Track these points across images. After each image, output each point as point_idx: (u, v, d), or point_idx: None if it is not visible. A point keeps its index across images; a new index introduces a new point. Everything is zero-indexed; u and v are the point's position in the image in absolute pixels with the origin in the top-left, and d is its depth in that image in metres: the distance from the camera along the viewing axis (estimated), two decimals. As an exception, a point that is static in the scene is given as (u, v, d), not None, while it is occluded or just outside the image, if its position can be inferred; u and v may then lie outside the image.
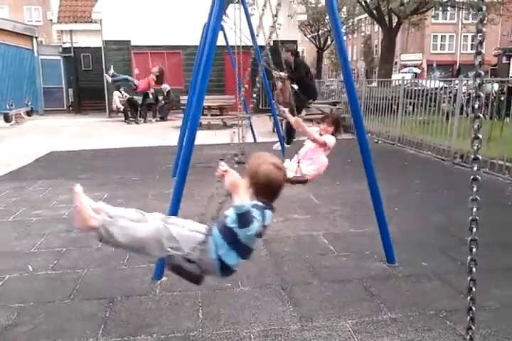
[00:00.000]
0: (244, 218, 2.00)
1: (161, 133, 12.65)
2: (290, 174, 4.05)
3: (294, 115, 4.53)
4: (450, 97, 9.16)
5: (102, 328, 2.72)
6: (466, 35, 42.18)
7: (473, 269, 1.59)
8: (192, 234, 2.22)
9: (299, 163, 3.95)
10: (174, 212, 3.39)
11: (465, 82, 8.56)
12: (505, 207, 5.13)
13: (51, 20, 25.78)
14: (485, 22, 1.51)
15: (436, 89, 9.60)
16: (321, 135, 4.06)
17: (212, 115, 14.03)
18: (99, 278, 3.45)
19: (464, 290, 3.15)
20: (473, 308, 1.59)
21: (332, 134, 4.08)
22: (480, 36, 1.49)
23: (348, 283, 3.33)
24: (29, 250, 4.00)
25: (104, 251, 3.94)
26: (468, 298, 1.59)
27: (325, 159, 3.99)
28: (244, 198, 2.03)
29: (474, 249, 1.59)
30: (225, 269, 2.22)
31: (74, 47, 20.09)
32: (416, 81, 13.25)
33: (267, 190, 2.18)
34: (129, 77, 16.14)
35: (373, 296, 3.11)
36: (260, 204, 2.12)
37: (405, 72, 36.10)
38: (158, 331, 2.69)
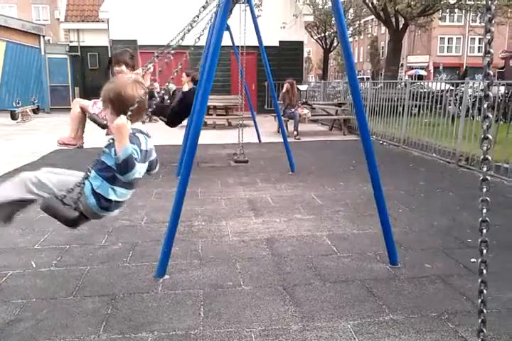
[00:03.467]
0: (125, 165, 2.15)
1: (166, 133, 12.66)
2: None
3: None
4: (456, 100, 9.14)
5: (104, 325, 2.73)
6: (474, 38, 42.13)
7: (484, 271, 1.57)
8: (68, 178, 2.44)
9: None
10: (177, 210, 3.39)
11: (471, 84, 8.53)
12: (510, 210, 5.11)
13: (58, 19, 25.91)
14: (494, 22, 1.50)
15: (442, 91, 9.58)
16: None
17: (217, 115, 14.06)
18: (101, 275, 3.46)
19: (467, 292, 3.16)
20: (485, 311, 1.57)
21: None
22: (489, 35, 1.48)
23: (350, 283, 3.33)
24: (33, 246, 4.02)
25: (107, 249, 3.96)
26: (479, 300, 1.57)
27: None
28: (125, 143, 2.16)
29: (485, 251, 1.57)
30: (102, 201, 2.40)
31: (81, 46, 20.21)
32: (422, 83, 13.22)
33: (123, 105, 2.30)
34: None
35: (375, 297, 3.11)
36: (131, 130, 2.26)
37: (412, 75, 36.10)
38: (160, 328, 2.70)
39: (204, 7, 3.24)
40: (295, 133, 11.41)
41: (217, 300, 3.07)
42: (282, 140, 7.55)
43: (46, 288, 3.22)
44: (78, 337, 2.61)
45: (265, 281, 3.36)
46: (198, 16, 3.25)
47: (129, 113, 2.27)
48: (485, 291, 1.57)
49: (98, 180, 2.37)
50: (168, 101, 13.22)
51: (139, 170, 2.34)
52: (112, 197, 2.42)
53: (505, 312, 2.89)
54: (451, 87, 10.10)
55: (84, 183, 2.36)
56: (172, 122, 8.03)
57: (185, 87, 8.21)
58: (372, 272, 3.53)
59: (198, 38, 3.14)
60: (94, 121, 4.75)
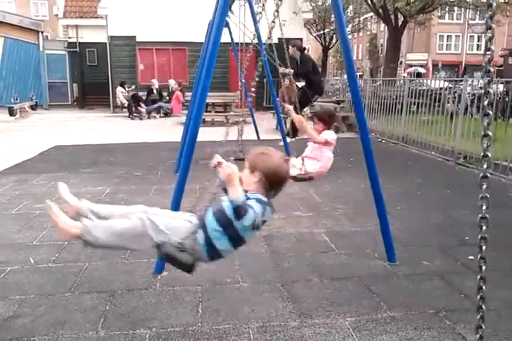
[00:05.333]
0: (239, 209, 1.98)
1: (164, 129, 12.67)
2: (294, 171, 4.06)
3: (297, 112, 4.52)
4: (455, 97, 9.14)
5: (102, 321, 2.74)
6: (473, 36, 42.07)
7: (483, 267, 1.58)
8: (181, 223, 2.20)
9: (303, 160, 3.94)
10: (175, 207, 3.40)
11: (470, 82, 8.53)
12: (509, 208, 5.11)
13: (57, 15, 25.79)
14: (494, 18, 1.50)
15: (441, 89, 9.58)
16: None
17: (216, 112, 14.04)
18: (100, 271, 3.46)
19: (465, 289, 3.17)
20: (483, 307, 1.58)
21: (328, 129, 4.05)
22: (490, 33, 1.49)
23: (348, 280, 3.34)
24: (31, 243, 4.02)
25: (105, 245, 3.96)
26: (478, 296, 1.58)
27: (329, 155, 3.97)
28: (239, 190, 2.02)
29: (484, 247, 1.57)
30: (214, 254, 2.20)
31: (79, 43, 20.09)
32: (421, 81, 13.22)
33: (273, 183, 2.19)
34: (162, 104, 16.25)
35: (373, 294, 3.12)
36: (263, 199, 2.12)
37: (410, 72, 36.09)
38: (158, 325, 2.70)
39: None
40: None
41: (216, 296, 3.07)
42: (281, 137, 7.54)
43: (44, 284, 3.23)
44: (76, 333, 2.62)
45: (263, 278, 3.37)
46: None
47: (273, 192, 2.22)
48: (484, 287, 1.58)
49: (218, 232, 2.14)
50: (167, 97, 13.12)
51: (250, 234, 2.19)
52: (224, 253, 2.23)
53: (503, 309, 2.90)
54: (450, 85, 10.11)
55: (198, 232, 2.15)
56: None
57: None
58: (371, 269, 3.54)
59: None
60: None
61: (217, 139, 10.24)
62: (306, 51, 9.52)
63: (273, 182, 2.19)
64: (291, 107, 4.62)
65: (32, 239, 4.11)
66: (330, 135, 4.00)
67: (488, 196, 1.52)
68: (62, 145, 9.64)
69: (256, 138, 10.19)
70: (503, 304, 2.97)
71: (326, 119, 4.08)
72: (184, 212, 2.35)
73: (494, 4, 1.51)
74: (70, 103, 20.92)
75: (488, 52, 1.47)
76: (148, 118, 15.95)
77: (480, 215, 1.56)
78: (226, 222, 2.10)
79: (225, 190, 2.17)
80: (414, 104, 9.85)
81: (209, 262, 2.30)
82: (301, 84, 9.55)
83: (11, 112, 15.55)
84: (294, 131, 8.48)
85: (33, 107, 18.08)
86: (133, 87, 16.76)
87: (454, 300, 3.04)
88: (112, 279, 3.32)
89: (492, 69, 1.47)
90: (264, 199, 2.12)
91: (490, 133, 1.51)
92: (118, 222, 2.17)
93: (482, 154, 1.53)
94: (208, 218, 2.17)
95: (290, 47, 8.35)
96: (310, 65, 8.85)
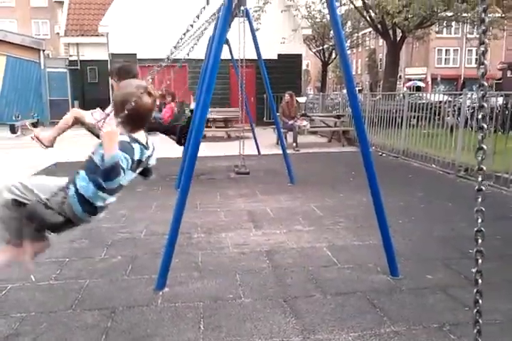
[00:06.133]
0: (110, 171, 2.11)
1: (165, 145, 12.68)
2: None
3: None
4: (454, 111, 9.18)
5: (104, 339, 2.71)
6: (471, 50, 42.40)
7: (479, 281, 1.57)
8: (53, 182, 2.41)
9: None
10: (177, 222, 3.39)
11: (469, 95, 8.57)
12: (509, 220, 5.10)
13: (58, 33, 26.09)
14: (489, 34, 1.52)
15: (440, 102, 9.62)
16: None
17: (216, 127, 14.11)
18: (101, 288, 3.44)
19: (468, 303, 3.13)
20: (480, 321, 1.58)
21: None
22: (483, 47, 1.50)
23: (351, 295, 3.31)
24: (32, 260, 4.00)
25: (107, 262, 3.95)
26: (475, 310, 1.57)
27: None
28: (115, 148, 2.14)
29: (480, 261, 1.57)
30: (86, 206, 2.36)
31: (80, 60, 20.31)
32: (420, 94, 13.30)
33: (135, 118, 2.30)
34: (154, 114, 16.24)
35: (376, 309, 3.09)
36: (128, 139, 2.24)
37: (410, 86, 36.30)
38: (160, 342, 2.68)
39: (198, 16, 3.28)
40: (294, 144, 11.44)
41: (218, 312, 3.05)
42: (281, 152, 7.56)
43: (45, 302, 3.21)
44: (77, 350, 2.59)
45: (265, 293, 3.35)
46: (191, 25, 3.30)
47: (119, 119, 2.28)
48: (480, 301, 1.57)
49: (85, 181, 2.34)
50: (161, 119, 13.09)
51: (127, 177, 2.36)
52: (95, 201, 2.41)
53: (507, 322, 2.87)
54: (449, 99, 10.15)
55: (69, 187, 2.36)
56: (182, 141, 8.09)
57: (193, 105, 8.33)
58: (373, 283, 3.52)
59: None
60: (91, 131, 4.83)
61: (217, 154, 10.27)
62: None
63: (135, 116, 2.31)
64: None
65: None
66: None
67: (483, 209, 1.53)
68: (63, 161, 9.66)
69: (257, 153, 10.23)
70: (506, 317, 2.94)
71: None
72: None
73: (487, 20, 1.53)
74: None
75: (481, 66, 1.49)
76: (149, 133, 15.98)
77: (476, 228, 1.57)
78: (93, 169, 2.29)
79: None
80: (414, 117, 9.89)
81: (88, 219, 2.49)
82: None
83: (13, 130, 15.63)
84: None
85: (35, 124, 18.15)
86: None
87: (458, 313, 3.01)
88: (113, 296, 3.30)
89: (486, 84, 1.48)
90: (128, 139, 2.24)
91: (485, 147, 1.52)
92: None
93: (477, 167, 1.53)
94: (78, 174, 2.36)
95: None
96: None
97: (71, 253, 4.16)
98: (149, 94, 2.37)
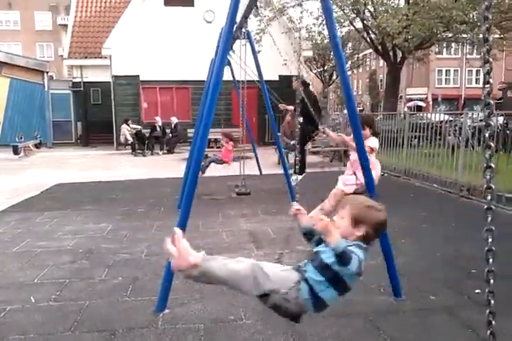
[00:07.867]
0: (343, 256, 1.95)
1: (167, 166, 12.74)
2: (350, 188, 4.07)
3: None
4: (455, 130, 9.20)
5: (103, 362, 2.68)
6: (471, 70, 42.73)
7: (492, 301, 1.54)
8: (286, 273, 2.17)
9: (356, 175, 3.92)
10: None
11: (470, 115, 8.61)
12: (513, 240, 5.06)
13: (62, 55, 26.45)
14: (491, 52, 1.54)
15: (441, 122, 9.66)
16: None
17: (218, 147, 14.14)
18: (101, 310, 3.41)
19: (473, 324, 3.10)
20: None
21: (372, 135, 4.14)
22: (488, 66, 1.51)
23: (353, 317, 3.27)
24: (32, 281, 3.98)
25: (107, 283, 3.92)
26: (488, 332, 1.54)
27: (373, 159, 3.99)
28: (338, 237, 1.99)
29: (492, 281, 1.55)
30: (319, 305, 2.15)
31: (84, 82, 20.51)
32: (421, 114, 13.36)
33: (377, 235, 2.23)
34: (213, 157, 15.95)
35: (379, 331, 3.05)
36: (363, 244, 2.11)
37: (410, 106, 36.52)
38: (160, 365, 2.64)
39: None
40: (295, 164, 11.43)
41: (219, 334, 3.01)
42: (283, 171, 7.56)
43: (44, 324, 3.18)
44: (76, 374, 2.56)
45: (267, 315, 3.29)
46: None
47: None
48: (493, 322, 1.54)
49: (323, 285, 2.11)
50: (170, 134, 13.17)
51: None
52: (329, 298, 2.16)
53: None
54: (450, 118, 10.19)
55: (300, 282, 2.13)
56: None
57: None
58: (376, 305, 3.48)
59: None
60: None
61: (219, 174, 10.27)
62: (310, 86, 9.63)
63: (377, 234, 2.22)
64: (330, 132, 4.66)
65: (33, 277, 4.07)
66: (373, 142, 4.02)
67: (493, 228, 1.51)
68: (66, 182, 9.69)
69: (258, 173, 10.23)
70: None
71: (369, 124, 4.15)
72: (284, 266, 2.30)
73: (491, 38, 1.55)
74: (73, 141, 21.19)
75: (486, 86, 1.49)
76: (151, 154, 16.07)
77: (486, 248, 1.54)
78: (330, 273, 2.07)
79: (308, 238, 2.24)
80: (415, 137, 9.91)
81: (315, 312, 2.22)
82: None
83: (16, 151, 15.72)
84: (303, 167, 8.48)
85: (37, 146, 18.30)
86: (140, 127, 16.97)
87: (462, 335, 2.97)
88: (113, 318, 3.27)
89: (492, 102, 1.49)
90: (364, 245, 2.11)
91: (493, 165, 1.51)
92: (233, 261, 2.12)
93: (485, 186, 1.52)
94: (309, 270, 2.13)
95: (293, 80, 8.39)
96: (310, 101, 8.88)
97: (71, 274, 4.13)
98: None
